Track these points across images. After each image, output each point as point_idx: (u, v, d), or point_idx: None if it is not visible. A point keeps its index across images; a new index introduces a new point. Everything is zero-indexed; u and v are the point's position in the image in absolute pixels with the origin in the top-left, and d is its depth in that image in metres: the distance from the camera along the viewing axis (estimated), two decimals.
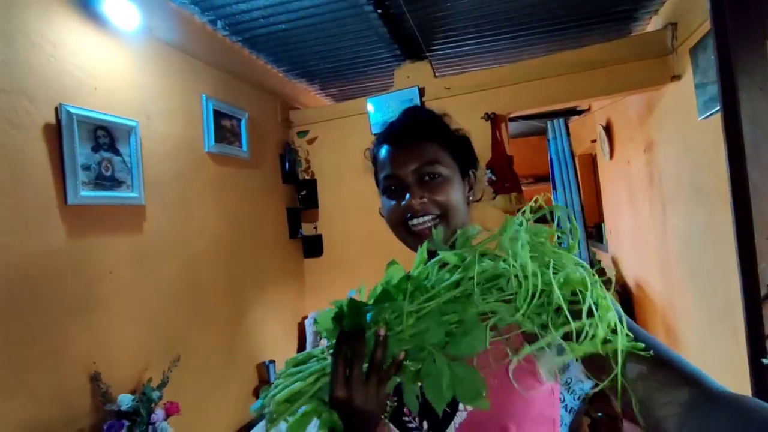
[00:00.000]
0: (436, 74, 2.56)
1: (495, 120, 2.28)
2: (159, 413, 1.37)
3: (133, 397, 1.36)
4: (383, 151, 0.66)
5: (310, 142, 2.85)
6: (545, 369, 0.53)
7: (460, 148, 0.67)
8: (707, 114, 1.70)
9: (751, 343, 1.08)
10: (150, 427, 1.33)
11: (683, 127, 2.03)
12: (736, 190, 1.03)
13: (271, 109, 2.67)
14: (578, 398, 1.91)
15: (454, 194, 0.62)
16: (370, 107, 2.62)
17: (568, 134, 2.80)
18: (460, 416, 0.52)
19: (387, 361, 0.42)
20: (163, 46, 1.82)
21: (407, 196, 0.60)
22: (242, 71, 2.36)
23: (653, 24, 2.24)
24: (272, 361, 2.25)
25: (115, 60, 1.59)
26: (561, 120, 2.81)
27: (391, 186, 0.63)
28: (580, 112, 3.59)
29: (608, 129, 3.35)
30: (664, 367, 0.40)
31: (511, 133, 2.68)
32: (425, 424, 0.54)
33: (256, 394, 2.21)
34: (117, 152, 1.56)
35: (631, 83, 2.17)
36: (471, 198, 0.68)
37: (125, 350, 1.50)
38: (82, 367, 1.34)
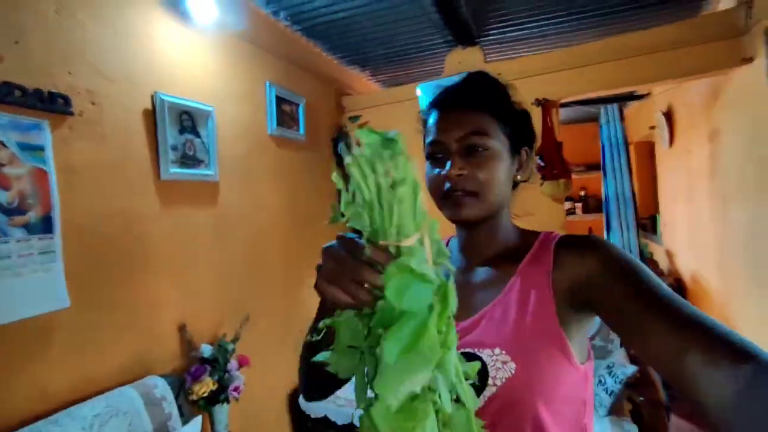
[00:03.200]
0: (487, 60, 2.57)
1: (545, 106, 2.28)
2: (233, 363, 1.58)
3: (212, 347, 1.59)
4: (432, 116, 0.62)
5: (361, 126, 2.96)
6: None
7: (515, 121, 0.62)
8: None
9: None
10: (226, 373, 1.55)
11: (753, 115, 1.93)
12: None
13: (326, 94, 2.81)
14: (619, 381, 1.95)
15: (498, 171, 0.57)
16: (419, 93, 2.69)
17: (622, 120, 2.71)
18: (489, 390, 0.52)
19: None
20: (233, 37, 2.00)
21: (448, 165, 0.57)
22: (301, 59, 2.51)
23: (724, 3, 2.10)
24: None
25: (195, 51, 1.78)
26: (615, 105, 2.72)
27: (434, 153, 0.60)
28: (637, 97, 3.42)
29: (669, 116, 3.18)
30: (713, 340, 0.37)
31: (561, 119, 2.65)
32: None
33: None
34: (197, 134, 1.76)
35: (697, 67, 2.07)
36: (519, 177, 0.64)
37: (205, 307, 1.73)
38: (173, 317, 1.58)
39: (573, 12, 2.22)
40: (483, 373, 0.52)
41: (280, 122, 2.29)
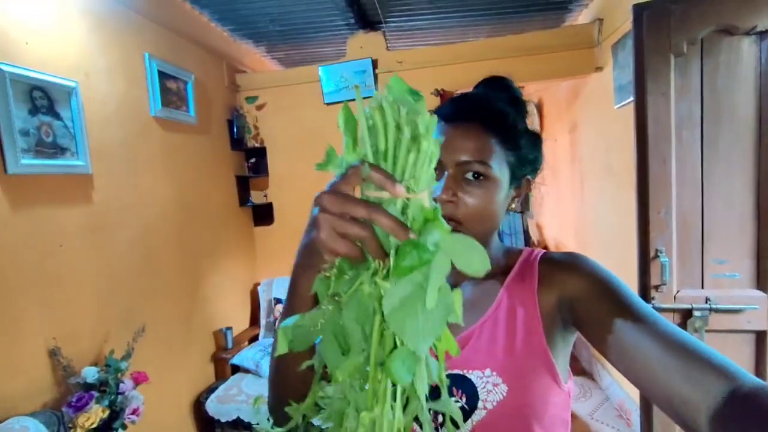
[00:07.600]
0: (389, 47, 2.60)
1: (443, 96, 2.42)
2: (128, 383, 1.39)
3: (97, 369, 1.36)
4: (440, 125, 0.55)
5: (259, 108, 2.77)
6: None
7: (525, 150, 0.56)
8: (621, 104, 2.00)
9: (641, 290, 1.40)
10: (119, 396, 1.35)
11: (601, 113, 2.34)
12: (640, 175, 1.29)
13: (217, 71, 2.53)
14: None
15: (491, 203, 0.53)
16: (321, 75, 2.60)
17: None
18: (478, 414, 0.50)
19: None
20: None
21: (440, 186, 0.52)
22: (186, 29, 2.20)
23: (584, 17, 2.48)
24: (229, 328, 2.29)
25: (46, 11, 1.42)
26: None
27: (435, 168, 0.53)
28: None
29: (539, 108, 3.68)
30: (692, 357, 0.38)
31: None
32: (440, 417, 0.52)
33: (215, 360, 2.25)
34: (57, 116, 1.43)
35: (562, 71, 2.42)
36: (512, 206, 0.59)
37: (84, 323, 1.46)
38: (40, 342, 1.30)
39: (466, 9, 2.37)
40: (473, 396, 0.50)
41: (166, 102, 2.00)
